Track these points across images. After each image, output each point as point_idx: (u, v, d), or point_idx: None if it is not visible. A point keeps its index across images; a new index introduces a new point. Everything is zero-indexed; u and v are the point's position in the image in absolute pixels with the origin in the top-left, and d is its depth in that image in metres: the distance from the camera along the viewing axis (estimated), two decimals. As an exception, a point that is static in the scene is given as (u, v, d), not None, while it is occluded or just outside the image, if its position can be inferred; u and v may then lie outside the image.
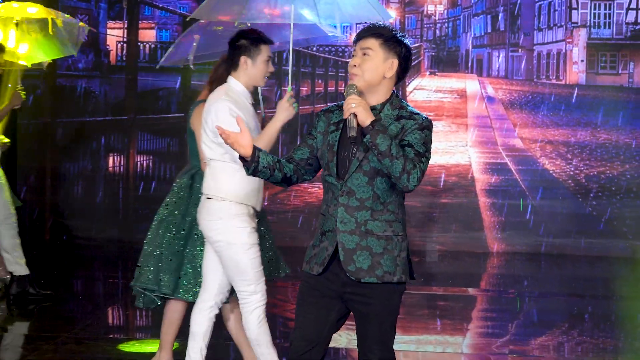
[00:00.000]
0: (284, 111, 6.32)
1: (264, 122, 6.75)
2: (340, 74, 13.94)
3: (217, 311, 6.60)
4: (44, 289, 9.63)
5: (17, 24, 9.43)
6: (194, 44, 7.63)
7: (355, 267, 4.82)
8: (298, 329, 4.99)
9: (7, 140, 9.78)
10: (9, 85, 9.49)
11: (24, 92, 9.41)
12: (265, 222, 6.91)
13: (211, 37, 7.68)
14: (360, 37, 4.90)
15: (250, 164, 4.87)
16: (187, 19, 7.61)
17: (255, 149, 4.85)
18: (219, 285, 6.52)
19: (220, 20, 7.45)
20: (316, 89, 13.73)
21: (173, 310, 6.97)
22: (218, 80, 6.67)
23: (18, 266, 9.52)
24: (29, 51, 9.65)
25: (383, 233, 4.84)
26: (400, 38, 4.90)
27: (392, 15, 7.39)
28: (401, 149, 4.70)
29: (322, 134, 4.96)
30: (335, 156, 4.87)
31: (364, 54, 4.85)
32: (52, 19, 9.50)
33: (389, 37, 4.87)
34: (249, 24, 7.03)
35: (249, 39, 6.39)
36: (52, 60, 10.02)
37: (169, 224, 6.91)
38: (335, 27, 7.80)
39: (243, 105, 6.34)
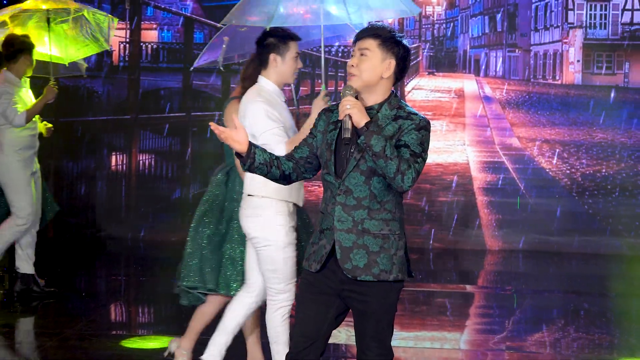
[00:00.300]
0: (319, 108, 6.27)
1: (298, 121, 6.72)
2: (339, 74, 13.95)
3: (254, 308, 6.59)
4: (48, 287, 9.61)
5: (48, 21, 9.38)
6: (223, 45, 7.63)
7: (351, 265, 4.81)
8: (297, 326, 5.00)
9: (50, 125, 9.73)
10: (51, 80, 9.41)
11: (56, 87, 9.35)
12: (307, 218, 6.86)
13: (239, 37, 7.64)
14: (358, 37, 4.89)
15: (246, 160, 4.89)
16: (219, 24, 7.58)
17: (252, 145, 4.87)
18: (262, 285, 6.49)
19: (252, 23, 7.38)
20: (316, 88, 13.74)
21: (211, 302, 6.91)
22: (249, 78, 6.64)
23: (26, 264, 9.49)
24: (64, 49, 9.60)
25: (380, 232, 4.83)
26: (398, 38, 4.88)
27: (419, 9, 7.32)
28: (396, 150, 4.69)
29: (322, 133, 4.95)
30: (333, 155, 4.87)
31: (362, 54, 4.84)
32: (83, 15, 9.46)
33: (387, 38, 4.85)
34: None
35: (276, 37, 6.37)
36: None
37: (208, 221, 6.86)
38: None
39: (277, 103, 6.32)
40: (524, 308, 9.90)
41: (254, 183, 6.25)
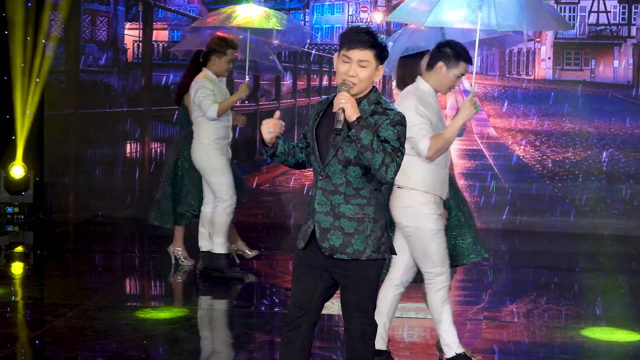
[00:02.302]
0: (466, 110, 6.20)
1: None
2: (333, 70, 13.90)
3: (402, 290, 6.54)
4: (234, 271, 9.46)
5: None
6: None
7: (328, 245, 4.85)
8: (291, 298, 5.03)
9: (243, 117, 9.66)
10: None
11: (250, 86, 9.25)
12: (467, 209, 6.82)
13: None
14: (356, 47, 4.78)
15: (270, 149, 4.91)
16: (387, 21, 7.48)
17: (277, 136, 4.87)
18: (406, 267, 6.46)
19: (410, 21, 7.25)
20: (311, 83, 13.70)
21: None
22: (403, 76, 6.70)
23: (207, 242, 9.33)
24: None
25: (354, 215, 4.85)
26: (386, 46, 4.87)
27: (571, 27, 7.19)
28: (381, 144, 4.68)
29: (312, 122, 4.98)
30: (315, 143, 4.87)
31: (362, 66, 4.78)
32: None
33: (382, 48, 4.82)
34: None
35: (454, 51, 6.29)
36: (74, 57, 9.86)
37: None
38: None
39: (428, 103, 6.25)
40: (500, 282, 9.90)
41: (403, 176, 6.17)
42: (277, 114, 4.92)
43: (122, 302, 8.70)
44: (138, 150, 13.26)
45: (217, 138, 9.11)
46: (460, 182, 12.70)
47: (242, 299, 8.94)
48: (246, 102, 13.31)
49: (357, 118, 4.67)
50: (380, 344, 6.40)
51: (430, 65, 6.34)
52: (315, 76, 13.80)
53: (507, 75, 13.51)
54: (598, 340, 7.51)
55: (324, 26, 13.75)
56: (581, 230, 12.38)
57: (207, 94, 8.96)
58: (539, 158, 12.81)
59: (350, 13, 13.79)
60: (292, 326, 4.98)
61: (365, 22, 13.74)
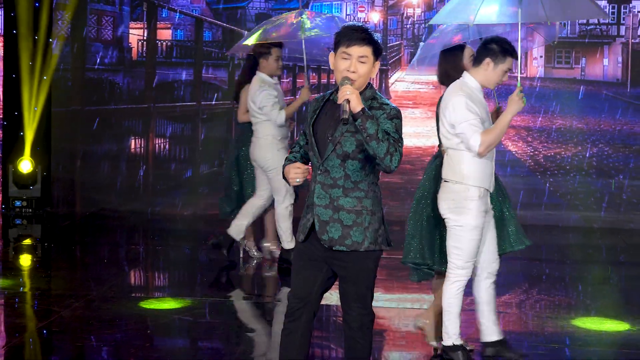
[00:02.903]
0: (514, 104, 6.18)
1: (498, 111, 6.61)
2: (331, 68, 13.89)
3: (493, 279, 6.49)
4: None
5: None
6: (420, 49, 7.54)
7: (328, 237, 4.86)
8: (292, 289, 5.03)
9: (293, 123, 9.63)
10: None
11: (309, 89, 9.16)
12: (508, 199, 6.78)
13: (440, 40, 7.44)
14: (355, 43, 4.81)
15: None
16: (426, 25, 7.42)
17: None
18: (488, 257, 6.43)
19: (457, 22, 7.20)
20: (310, 80, 13.70)
21: (440, 280, 6.79)
22: (443, 74, 6.72)
23: (236, 230, 9.31)
24: None
25: (353, 208, 4.86)
26: (381, 43, 4.90)
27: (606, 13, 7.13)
28: (385, 134, 4.69)
29: (309, 119, 4.99)
30: (313, 138, 4.89)
31: (362, 62, 4.81)
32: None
33: (377, 45, 4.87)
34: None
35: (500, 46, 6.26)
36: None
37: (425, 203, 6.72)
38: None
39: (476, 99, 6.22)
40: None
41: (450, 170, 6.20)
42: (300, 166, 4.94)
43: (127, 293, 8.70)
44: (142, 145, 13.25)
45: (277, 136, 9.10)
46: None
47: (243, 290, 8.94)
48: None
49: (361, 109, 4.68)
50: (494, 335, 6.44)
51: (478, 62, 6.30)
52: (314, 74, 13.80)
53: None
54: (588, 330, 7.51)
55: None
56: (572, 223, 12.38)
57: (273, 101, 8.94)
58: (531, 153, 12.81)
59: (348, 13, 13.78)
60: (293, 317, 4.98)
61: (363, 22, 13.74)
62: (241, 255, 9.71)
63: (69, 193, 12.93)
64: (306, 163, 5.07)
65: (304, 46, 9.19)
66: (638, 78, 13.01)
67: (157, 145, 13.29)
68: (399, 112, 4.85)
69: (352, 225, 4.85)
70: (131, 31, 13.53)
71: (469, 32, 7.12)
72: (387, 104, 4.84)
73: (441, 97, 6.48)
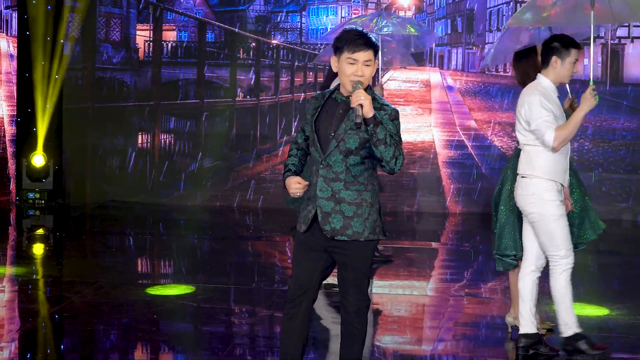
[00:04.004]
0: (587, 102, 6.13)
1: (573, 106, 6.55)
2: (327, 68, 13.86)
3: (538, 274, 6.42)
4: (382, 254, 9.33)
5: None
6: (492, 50, 7.46)
7: (330, 227, 4.87)
8: (293, 278, 5.04)
9: None
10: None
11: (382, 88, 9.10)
12: (585, 190, 6.70)
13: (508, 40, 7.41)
14: (360, 49, 4.81)
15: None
16: (503, 27, 7.31)
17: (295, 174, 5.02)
18: (537, 252, 6.36)
19: (530, 24, 7.11)
20: (307, 79, 13.67)
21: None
22: (523, 74, 6.65)
23: None
24: None
25: (354, 200, 4.87)
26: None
27: None
28: (392, 138, 4.76)
29: (309, 117, 4.99)
30: (315, 135, 4.87)
31: (367, 65, 4.83)
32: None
33: (377, 47, 4.90)
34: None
35: (561, 42, 6.21)
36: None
37: (505, 197, 6.64)
38: None
39: (551, 97, 6.18)
40: (480, 262, 9.89)
41: (527, 165, 6.16)
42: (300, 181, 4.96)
43: (134, 280, 8.70)
44: (148, 140, 13.23)
45: None
46: (444, 170, 12.71)
47: (245, 277, 8.92)
48: (247, 96, 13.28)
49: (373, 115, 4.72)
50: (530, 327, 6.36)
51: (546, 63, 6.25)
52: (310, 73, 13.77)
53: (486, 72, 13.48)
54: (569, 315, 7.49)
55: (319, 27, 13.71)
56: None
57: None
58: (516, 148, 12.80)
59: (342, 15, 13.76)
60: (294, 303, 4.99)
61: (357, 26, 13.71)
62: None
63: (79, 185, 12.91)
64: (305, 161, 5.08)
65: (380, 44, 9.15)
66: (616, 77, 12.99)
67: (162, 140, 13.27)
68: (398, 112, 4.89)
69: (353, 217, 4.86)
70: (138, 33, 13.49)
71: (539, 33, 7.09)
72: (387, 105, 4.87)
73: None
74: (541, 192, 6.15)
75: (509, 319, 6.94)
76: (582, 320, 6.83)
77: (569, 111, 6.54)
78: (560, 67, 6.22)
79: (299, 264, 5.01)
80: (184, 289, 8.11)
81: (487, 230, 11.61)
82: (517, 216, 6.59)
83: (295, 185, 4.93)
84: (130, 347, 6.74)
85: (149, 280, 8.94)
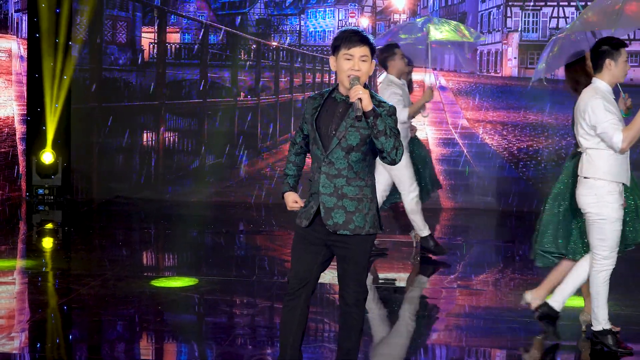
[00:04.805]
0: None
1: (627, 105, 6.55)
2: (325, 68, 13.86)
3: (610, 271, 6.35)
4: (440, 246, 9.24)
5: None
6: (542, 63, 7.34)
7: (333, 222, 4.88)
8: (293, 270, 5.04)
9: (415, 130, 9.40)
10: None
11: (432, 90, 9.02)
12: (638, 190, 6.61)
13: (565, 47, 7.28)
14: (355, 45, 4.84)
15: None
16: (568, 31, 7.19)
17: (293, 189, 5.11)
18: None
19: (597, 28, 7.00)
20: (306, 80, 13.66)
21: (565, 266, 6.69)
22: (574, 80, 6.62)
23: (426, 230, 9.13)
24: None
25: (355, 196, 4.89)
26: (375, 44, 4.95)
27: None
28: (392, 130, 4.76)
29: (309, 116, 5.00)
30: (317, 134, 4.87)
31: (363, 61, 4.84)
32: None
33: (373, 45, 4.91)
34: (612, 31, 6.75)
35: (610, 44, 6.18)
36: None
37: (562, 197, 6.62)
38: None
39: (610, 100, 6.13)
40: (472, 254, 9.89)
41: (591, 168, 6.12)
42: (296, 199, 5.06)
43: (139, 273, 8.70)
44: (153, 139, 13.22)
45: (402, 137, 8.71)
46: (437, 167, 12.71)
47: (246, 269, 8.93)
48: (248, 96, 13.28)
49: (372, 108, 4.73)
50: (605, 324, 6.33)
51: (599, 66, 6.20)
52: (309, 74, 13.76)
53: (478, 73, 13.47)
54: (557, 306, 7.50)
55: (317, 30, 13.71)
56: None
57: (398, 100, 8.69)
58: (506, 146, 12.80)
59: (340, 18, 13.75)
60: (294, 296, 5.02)
61: (353, 26, 13.71)
62: (414, 245, 9.50)
63: (87, 182, 12.90)
64: (302, 166, 5.15)
65: (429, 50, 9.09)
66: (603, 77, 13.00)
67: (166, 138, 13.26)
68: (395, 109, 4.91)
69: (354, 212, 4.88)
70: (143, 35, 13.47)
71: (587, 39, 7.03)
72: (385, 102, 4.88)
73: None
74: (603, 194, 6.12)
75: (528, 296, 6.86)
76: (566, 309, 6.85)
77: (624, 111, 6.53)
78: (614, 68, 6.17)
79: (299, 257, 5.02)
80: (187, 282, 8.11)
81: (478, 224, 11.63)
82: (563, 215, 6.59)
83: (292, 204, 5.04)
84: (135, 337, 6.75)
85: (154, 273, 8.94)
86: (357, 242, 4.92)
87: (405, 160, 8.88)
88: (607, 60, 6.18)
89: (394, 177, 8.95)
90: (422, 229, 9.11)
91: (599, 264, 6.27)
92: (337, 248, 4.95)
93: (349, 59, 4.84)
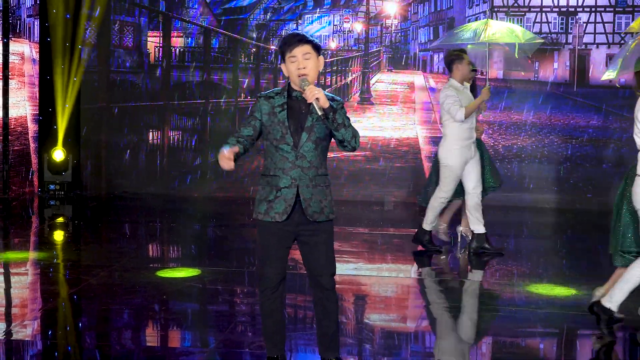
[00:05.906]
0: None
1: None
2: (324, 69, 13.85)
3: None
4: (433, 245, 9.12)
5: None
6: (616, 64, 7.07)
7: (312, 211, 4.94)
8: (271, 266, 5.03)
9: (483, 128, 9.21)
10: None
11: (489, 90, 8.86)
12: None
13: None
14: (295, 45, 4.85)
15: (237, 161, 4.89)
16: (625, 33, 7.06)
17: (235, 154, 4.85)
18: None
19: None
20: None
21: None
22: None
23: (477, 225, 9.02)
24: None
25: (323, 184, 4.98)
26: (316, 41, 4.94)
27: None
28: (348, 120, 4.86)
29: (267, 115, 4.95)
30: (288, 130, 4.86)
31: (306, 58, 4.86)
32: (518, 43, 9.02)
33: (314, 42, 4.91)
34: None
35: None
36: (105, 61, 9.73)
37: (628, 197, 6.39)
38: None
39: None
40: (461, 247, 9.89)
41: None
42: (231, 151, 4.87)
43: (146, 264, 8.69)
44: (159, 137, 13.21)
45: (461, 139, 8.75)
46: (426, 164, 12.70)
47: (246, 261, 8.92)
48: (248, 97, 13.27)
49: (329, 105, 4.79)
50: (614, 306, 6.21)
51: None
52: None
53: (533, 78, 13.41)
54: (540, 295, 7.51)
55: (314, 34, 13.70)
56: (526, 204, 12.40)
57: (454, 101, 8.62)
58: (492, 144, 12.79)
59: (335, 23, 13.74)
60: (275, 289, 5.05)
61: (348, 31, 13.70)
62: (459, 240, 9.50)
63: (96, 178, 12.89)
64: (246, 151, 4.98)
65: (487, 50, 9.01)
66: (583, 79, 12.99)
67: (171, 137, 13.25)
68: (343, 103, 4.98)
69: (324, 199, 4.96)
70: (149, 39, 13.46)
71: None
72: (334, 97, 4.94)
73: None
74: None
75: (598, 292, 6.71)
76: (551, 299, 6.85)
77: None
78: None
79: (276, 252, 5.01)
80: (191, 272, 8.10)
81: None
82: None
83: (229, 154, 4.82)
84: (142, 325, 6.74)
85: (159, 264, 8.93)
86: (327, 227, 5.00)
87: (456, 165, 8.79)
88: None
89: (440, 174, 8.89)
90: (430, 223, 9.05)
91: None
92: (309, 236, 4.97)
93: (293, 61, 4.86)
